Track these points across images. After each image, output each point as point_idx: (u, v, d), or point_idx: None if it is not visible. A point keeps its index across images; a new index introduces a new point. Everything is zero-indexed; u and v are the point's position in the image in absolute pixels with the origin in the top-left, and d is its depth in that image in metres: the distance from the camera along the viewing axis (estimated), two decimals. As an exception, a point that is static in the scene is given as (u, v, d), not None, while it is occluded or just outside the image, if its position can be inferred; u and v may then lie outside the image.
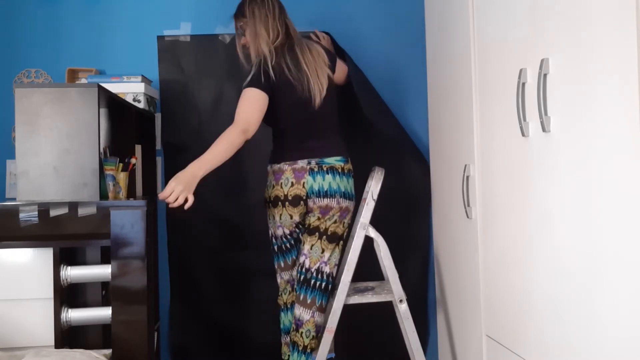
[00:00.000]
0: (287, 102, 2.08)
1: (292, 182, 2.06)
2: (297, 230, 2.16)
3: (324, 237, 2.08)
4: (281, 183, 2.08)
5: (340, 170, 2.08)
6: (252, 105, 2.00)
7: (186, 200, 1.80)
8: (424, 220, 2.60)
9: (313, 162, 2.06)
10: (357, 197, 2.20)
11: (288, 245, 2.18)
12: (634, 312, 1.13)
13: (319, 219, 2.08)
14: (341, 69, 2.30)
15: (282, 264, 2.21)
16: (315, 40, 2.33)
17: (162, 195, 1.78)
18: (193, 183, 1.83)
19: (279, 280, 2.24)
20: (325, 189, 2.05)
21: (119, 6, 2.65)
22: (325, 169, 2.06)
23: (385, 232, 2.12)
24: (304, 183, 2.05)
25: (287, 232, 2.15)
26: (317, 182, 2.05)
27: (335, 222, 2.08)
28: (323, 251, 2.08)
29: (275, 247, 2.21)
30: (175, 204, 1.78)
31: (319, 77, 2.09)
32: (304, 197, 2.06)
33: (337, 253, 2.11)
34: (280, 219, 2.11)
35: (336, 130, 2.17)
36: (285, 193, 2.07)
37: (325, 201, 2.05)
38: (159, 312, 2.61)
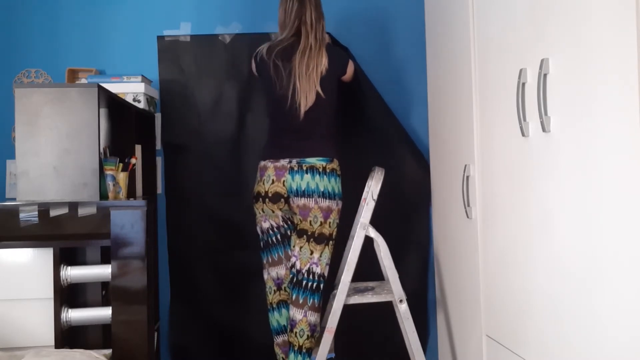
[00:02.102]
0: (267, 97, 2.23)
1: (272, 180, 2.12)
2: (285, 225, 2.18)
3: (312, 239, 2.10)
4: (264, 180, 2.14)
5: (321, 169, 2.09)
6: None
7: None
8: (424, 220, 2.60)
9: (294, 161, 2.11)
10: (356, 197, 2.20)
11: (274, 239, 2.20)
12: (634, 312, 1.13)
13: (301, 221, 2.10)
14: (351, 69, 2.32)
15: (270, 260, 2.22)
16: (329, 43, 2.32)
17: None
18: None
19: (265, 276, 2.25)
20: (303, 189, 2.08)
21: (119, 6, 2.65)
22: (305, 168, 2.09)
23: (385, 232, 2.12)
24: (283, 181, 2.10)
25: (274, 224, 2.18)
26: (296, 181, 2.09)
27: (320, 223, 2.09)
28: (312, 252, 2.10)
29: (262, 243, 2.23)
30: None
31: (307, 92, 2.12)
32: (285, 196, 2.10)
33: (327, 253, 2.12)
34: (263, 211, 2.17)
35: (325, 132, 2.18)
36: (266, 190, 2.12)
37: (303, 200, 2.08)
38: (159, 312, 2.61)
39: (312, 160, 2.10)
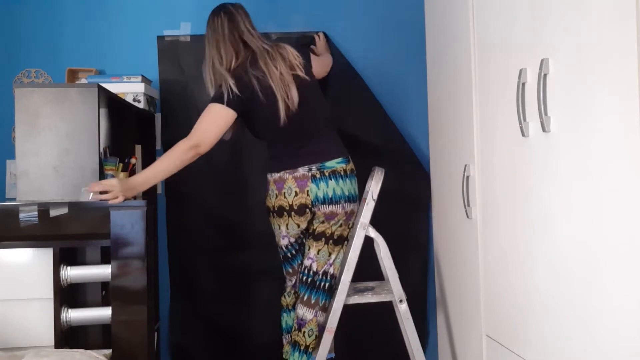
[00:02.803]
0: (266, 116, 2.02)
1: (295, 192, 2.02)
2: (302, 236, 2.15)
3: (331, 241, 2.07)
4: (284, 193, 2.04)
5: (342, 172, 2.04)
6: (212, 122, 1.97)
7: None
8: (424, 221, 2.60)
9: (314, 168, 2.02)
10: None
11: (293, 251, 2.18)
12: (634, 311, 1.13)
13: (323, 222, 2.06)
14: (320, 62, 2.22)
15: (290, 270, 2.21)
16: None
17: (97, 187, 1.76)
18: (131, 195, 1.85)
19: (287, 282, 2.25)
20: (330, 196, 2.02)
21: (119, 6, 2.65)
22: (327, 174, 2.02)
23: (385, 232, 2.12)
24: (308, 191, 2.02)
25: (293, 240, 2.14)
26: (322, 189, 2.01)
27: (340, 225, 2.08)
28: (330, 254, 2.08)
29: (281, 256, 2.21)
30: (103, 198, 1.77)
31: (287, 88, 1.98)
32: (310, 206, 2.03)
33: (341, 254, 2.12)
34: (287, 228, 2.09)
35: (331, 131, 2.13)
36: (290, 203, 2.03)
37: (330, 208, 2.03)
38: (159, 312, 2.61)
39: (332, 164, 2.03)
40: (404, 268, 2.34)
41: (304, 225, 2.08)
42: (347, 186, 2.05)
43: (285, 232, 2.11)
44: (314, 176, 2.01)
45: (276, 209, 2.08)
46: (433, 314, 2.59)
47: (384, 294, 2.11)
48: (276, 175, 2.07)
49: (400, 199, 2.54)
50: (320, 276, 2.08)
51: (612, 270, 1.19)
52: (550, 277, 1.43)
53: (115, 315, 1.74)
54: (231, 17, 2.10)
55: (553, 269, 1.41)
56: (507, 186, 1.67)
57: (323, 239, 2.07)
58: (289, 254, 2.18)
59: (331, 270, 2.09)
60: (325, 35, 2.48)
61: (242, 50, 2.07)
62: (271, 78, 1.99)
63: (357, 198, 2.11)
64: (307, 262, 2.10)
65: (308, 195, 2.02)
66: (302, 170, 2.02)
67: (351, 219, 2.10)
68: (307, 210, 2.04)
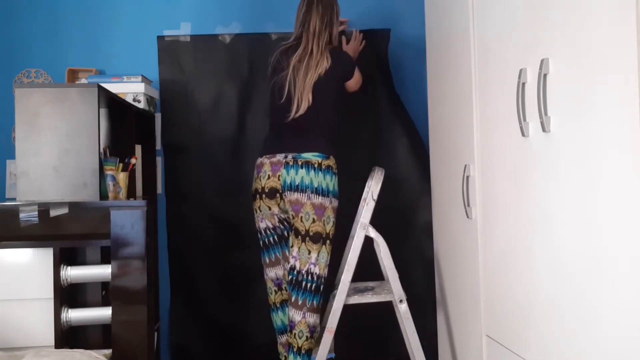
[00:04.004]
0: (270, 94, 2.24)
1: (269, 175, 2.12)
2: (282, 226, 2.18)
3: (307, 238, 2.09)
4: (260, 176, 2.15)
5: (316, 165, 2.09)
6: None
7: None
8: (424, 220, 2.59)
9: (290, 156, 2.11)
10: (356, 197, 2.20)
11: (272, 239, 2.20)
12: (634, 312, 1.13)
13: (294, 217, 2.10)
14: (356, 80, 2.34)
15: (267, 260, 2.22)
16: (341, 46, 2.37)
17: None
18: None
19: (265, 277, 2.25)
20: (297, 183, 2.08)
21: (119, 6, 2.66)
22: (300, 163, 2.09)
23: (385, 232, 2.12)
24: (279, 176, 2.10)
25: (271, 225, 2.18)
26: (291, 175, 2.08)
27: (313, 221, 2.08)
28: (310, 252, 2.09)
29: (261, 243, 2.23)
30: None
31: (301, 98, 2.14)
32: (280, 191, 2.11)
33: (324, 253, 2.11)
34: (260, 210, 2.17)
35: (321, 130, 2.18)
36: (263, 185, 2.13)
37: (296, 195, 2.08)
38: (159, 312, 2.61)
39: (308, 156, 2.10)
40: (403, 268, 2.34)
41: (275, 210, 2.14)
42: (318, 179, 2.08)
43: (261, 215, 2.18)
44: (287, 163, 2.10)
45: (252, 192, 2.18)
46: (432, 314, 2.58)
47: (384, 294, 2.11)
48: (258, 160, 2.19)
49: (402, 196, 2.55)
50: (304, 275, 2.09)
51: (612, 270, 1.19)
52: (550, 277, 1.43)
53: (115, 315, 1.74)
54: (309, 10, 2.24)
55: (553, 269, 1.41)
56: (507, 186, 1.67)
57: (300, 236, 2.10)
58: (266, 240, 2.21)
59: (316, 271, 2.09)
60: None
61: (294, 39, 2.26)
62: (294, 79, 2.16)
63: (330, 194, 2.12)
64: (291, 261, 2.13)
65: (279, 179, 2.10)
66: (278, 157, 2.13)
67: (322, 213, 2.09)
68: (277, 194, 2.11)
